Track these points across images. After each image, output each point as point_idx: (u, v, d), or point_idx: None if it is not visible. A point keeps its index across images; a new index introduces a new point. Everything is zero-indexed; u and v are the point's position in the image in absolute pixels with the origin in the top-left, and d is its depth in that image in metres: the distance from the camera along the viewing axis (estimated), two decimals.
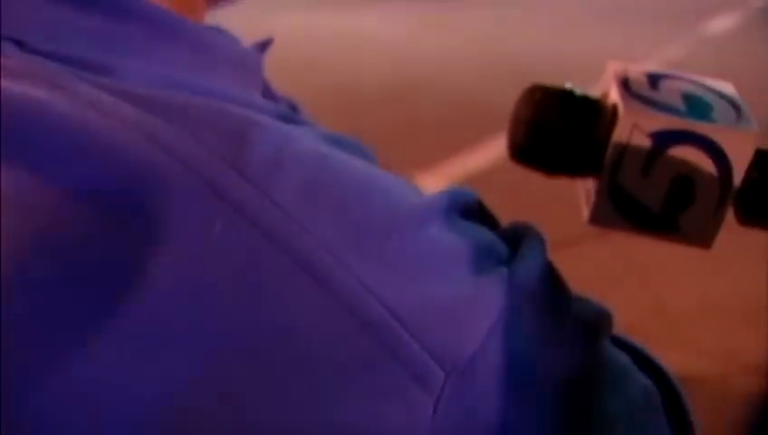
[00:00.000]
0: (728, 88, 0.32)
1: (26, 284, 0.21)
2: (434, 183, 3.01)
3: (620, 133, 0.29)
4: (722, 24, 5.11)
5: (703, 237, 0.31)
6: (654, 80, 0.32)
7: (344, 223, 0.23)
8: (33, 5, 0.25)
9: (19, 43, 0.24)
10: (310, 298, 0.21)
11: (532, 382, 0.24)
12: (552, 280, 0.27)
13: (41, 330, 0.21)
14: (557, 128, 0.31)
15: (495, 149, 3.31)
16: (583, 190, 0.33)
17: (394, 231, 0.23)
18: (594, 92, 0.32)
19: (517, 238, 0.27)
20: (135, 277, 0.21)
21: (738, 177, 0.30)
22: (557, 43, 5.01)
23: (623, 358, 0.28)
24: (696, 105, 0.31)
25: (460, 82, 4.23)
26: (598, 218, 0.31)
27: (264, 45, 0.32)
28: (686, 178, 0.30)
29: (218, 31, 0.29)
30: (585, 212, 0.32)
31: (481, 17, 6.00)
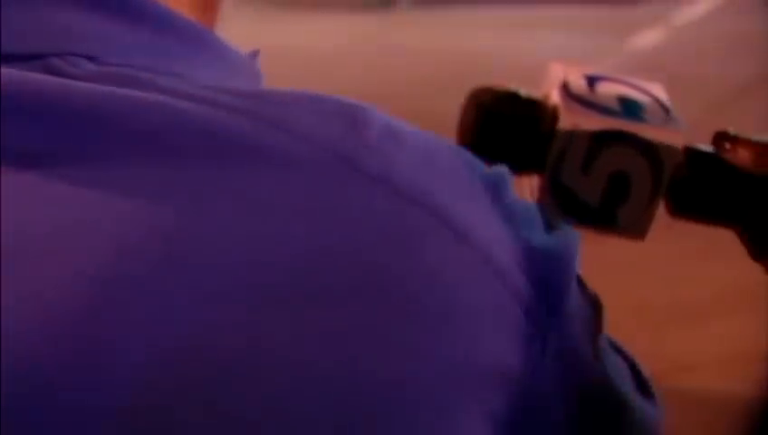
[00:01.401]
0: (658, 89, 0.36)
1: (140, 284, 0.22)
2: None
3: (561, 134, 0.32)
4: (646, 39, 5.34)
5: (638, 230, 0.34)
6: (591, 82, 0.34)
7: (462, 185, 0.26)
8: (92, 23, 0.26)
9: (90, 59, 0.25)
10: (452, 251, 0.24)
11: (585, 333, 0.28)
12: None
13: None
14: (502, 127, 0.33)
15: None
16: (528, 187, 0.35)
17: (493, 190, 0.27)
18: (536, 94, 0.34)
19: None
20: (275, 252, 0.22)
21: (668, 172, 0.32)
22: (496, 55, 5.13)
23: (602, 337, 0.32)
24: (630, 106, 0.33)
25: (405, 96, 4.28)
26: None
27: (253, 54, 0.34)
28: (622, 175, 0.32)
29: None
30: None
31: (421, 27, 6.08)
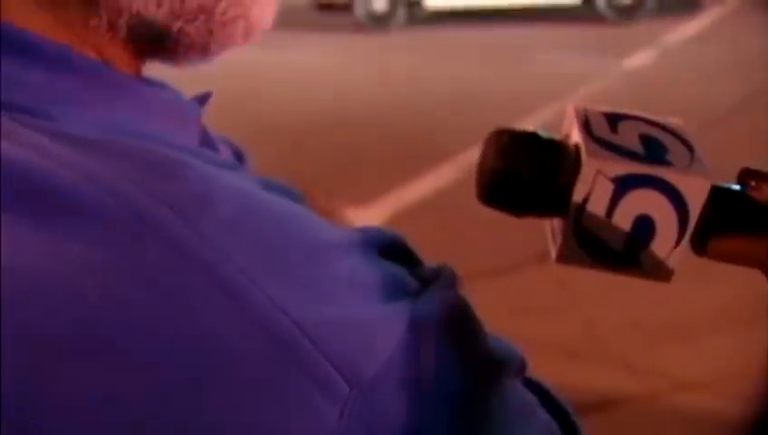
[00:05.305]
0: (680, 127, 0.35)
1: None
2: (376, 215, 3.03)
3: (584, 179, 0.31)
4: (640, 59, 5.38)
5: (663, 273, 0.33)
6: (613, 122, 0.33)
7: (262, 252, 0.26)
8: None
9: None
10: (227, 316, 0.24)
11: (431, 404, 0.27)
12: (457, 311, 0.29)
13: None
14: (524, 171, 0.32)
15: (435, 180, 3.35)
16: (550, 229, 0.34)
17: (308, 260, 0.27)
18: (552, 132, 0.33)
19: (434, 276, 0.30)
20: (75, 300, 0.24)
21: (694, 214, 0.32)
22: (490, 76, 5.16)
23: (529, 396, 0.31)
24: (653, 147, 0.33)
25: (398, 115, 4.29)
26: (564, 257, 0.33)
27: (203, 98, 0.35)
28: (646, 218, 0.32)
29: (159, 85, 0.32)
30: (552, 251, 0.33)
31: (415, 50, 6.12)
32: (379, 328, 0.26)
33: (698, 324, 2.13)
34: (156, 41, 0.31)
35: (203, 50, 0.33)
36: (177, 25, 0.31)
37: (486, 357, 0.29)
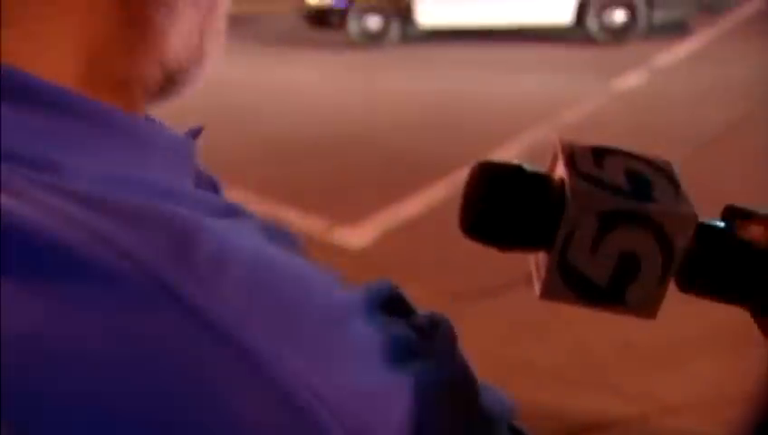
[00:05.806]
0: (666, 163, 0.35)
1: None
2: (367, 233, 3.03)
3: (569, 214, 0.31)
4: (630, 80, 5.44)
5: (647, 309, 0.33)
6: (598, 157, 0.33)
7: (281, 318, 0.26)
8: None
9: None
10: (245, 385, 0.24)
11: None
12: (460, 373, 0.29)
13: None
14: (508, 206, 0.32)
15: (425, 199, 3.36)
16: (534, 264, 0.34)
17: (323, 325, 0.26)
18: (537, 165, 0.33)
19: (431, 328, 0.30)
20: (89, 368, 0.23)
21: (679, 252, 0.32)
22: (482, 94, 5.20)
23: None
24: (639, 183, 0.32)
25: (391, 135, 4.31)
26: (549, 293, 0.33)
27: (195, 132, 0.34)
28: (631, 255, 0.32)
29: (152, 121, 0.32)
30: (536, 286, 0.33)
31: (408, 68, 6.16)
32: (391, 396, 0.26)
33: (688, 348, 2.13)
34: (165, 84, 0.31)
35: (181, 89, 0.33)
36: (187, 68, 0.31)
37: (487, 416, 0.29)
